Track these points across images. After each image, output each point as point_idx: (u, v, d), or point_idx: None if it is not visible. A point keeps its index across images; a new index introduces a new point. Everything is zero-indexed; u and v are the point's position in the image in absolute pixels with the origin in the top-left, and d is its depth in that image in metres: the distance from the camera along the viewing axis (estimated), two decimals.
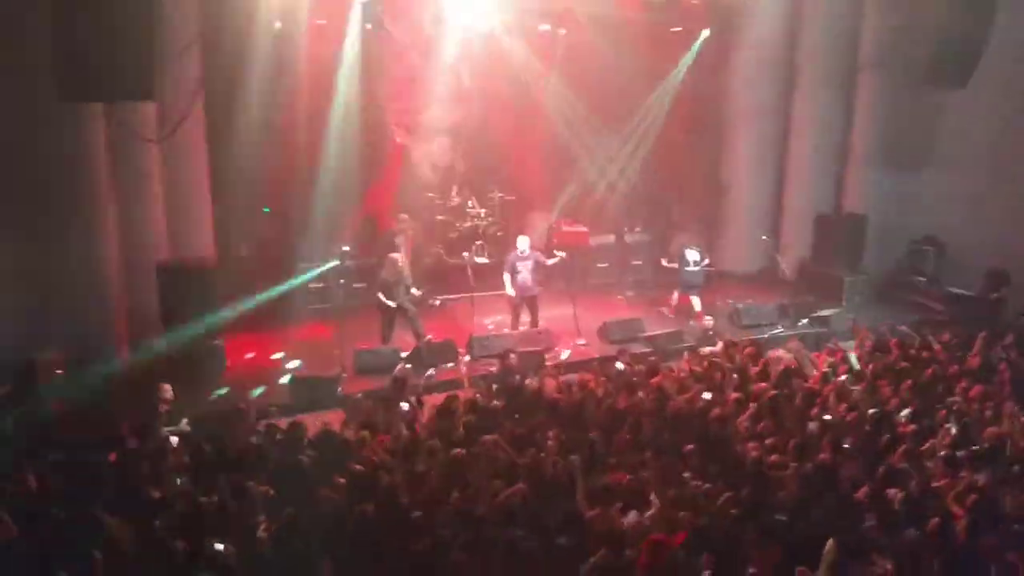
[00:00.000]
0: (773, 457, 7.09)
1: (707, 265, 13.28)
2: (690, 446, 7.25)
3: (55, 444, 7.74)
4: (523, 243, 12.43)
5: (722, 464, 7.06)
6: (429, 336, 11.93)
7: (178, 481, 7.28)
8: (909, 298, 14.50)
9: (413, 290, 11.91)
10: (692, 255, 13.20)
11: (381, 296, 11.71)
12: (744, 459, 7.12)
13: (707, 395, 8.68)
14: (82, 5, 8.70)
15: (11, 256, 9.68)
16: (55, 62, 9.03)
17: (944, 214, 14.53)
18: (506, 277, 12.30)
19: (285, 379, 10.84)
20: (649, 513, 6.23)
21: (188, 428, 8.81)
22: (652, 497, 6.43)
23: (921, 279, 14.69)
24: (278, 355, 11.72)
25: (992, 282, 13.30)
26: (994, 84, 13.05)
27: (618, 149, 15.36)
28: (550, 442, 7.53)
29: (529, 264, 12.27)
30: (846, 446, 7.40)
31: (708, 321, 11.84)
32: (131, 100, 10.08)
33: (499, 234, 15.02)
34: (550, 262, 12.43)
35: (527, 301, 12.45)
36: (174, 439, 8.33)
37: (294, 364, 11.47)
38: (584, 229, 15.34)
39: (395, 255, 12.02)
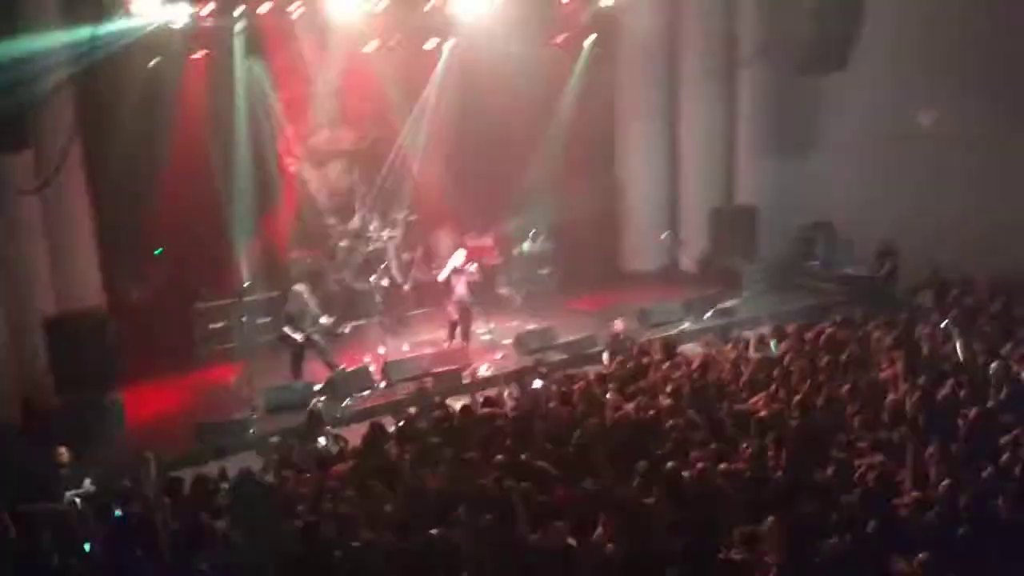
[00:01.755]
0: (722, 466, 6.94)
1: None
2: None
3: None
4: (459, 257, 12.44)
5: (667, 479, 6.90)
6: (342, 366, 11.67)
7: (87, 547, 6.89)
8: (805, 283, 15.01)
9: (323, 320, 11.62)
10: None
11: (287, 330, 11.39)
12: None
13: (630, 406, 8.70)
14: None
15: None
16: None
17: (832, 197, 15.07)
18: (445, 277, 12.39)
19: None
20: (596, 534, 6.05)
21: (92, 488, 8.34)
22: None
23: (814, 263, 15.24)
24: None
25: (881, 260, 13.88)
26: (872, 63, 13.55)
27: (513, 158, 15.41)
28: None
29: (463, 278, 12.29)
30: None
31: (618, 323, 11.98)
32: (4, 152, 9.57)
33: (404, 256, 14.82)
34: (472, 268, 12.49)
35: (463, 316, 12.42)
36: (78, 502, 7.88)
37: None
38: (489, 242, 15.33)
39: (299, 287, 11.71)
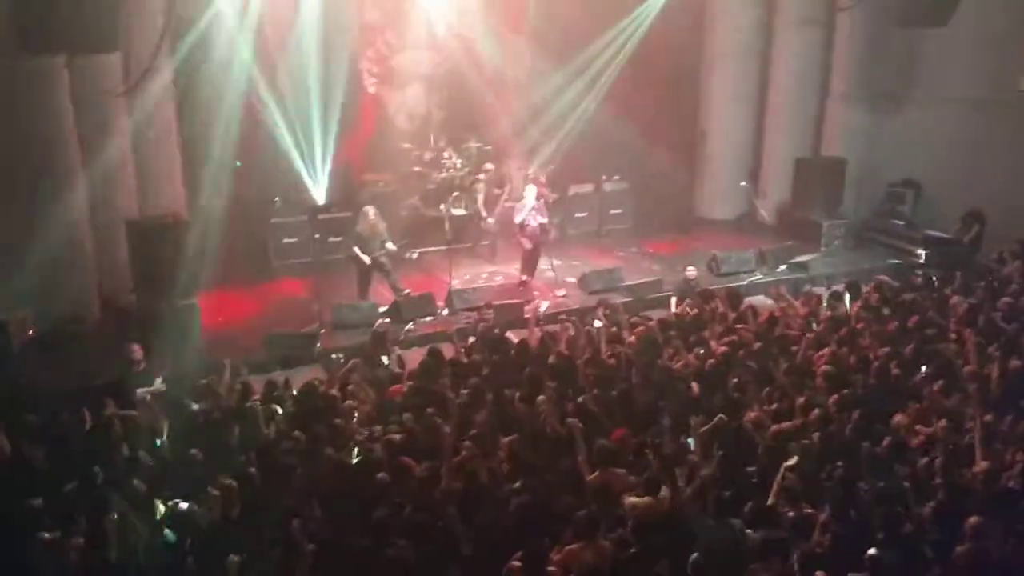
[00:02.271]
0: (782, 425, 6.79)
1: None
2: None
3: (30, 406, 7.63)
4: (531, 193, 12.40)
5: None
6: (407, 290, 11.82)
7: (158, 442, 7.23)
8: (887, 242, 14.49)
9: (389, 244, 11.73)
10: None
11: (356, 250, 11.55)
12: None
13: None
14: None
15: None
16: (17, 13, 8.72)
17: (923, 156, 14.45)
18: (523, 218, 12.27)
19: None
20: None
21: (163, 387, 8.70)
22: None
23: (899, 222, 14.69)
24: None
25: (967, 224, 13.33)
26: (972, 22, 12.89)
27: (591, 96, 15.11)
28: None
29: (538, 212, 12.29)
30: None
31: (690, 271, 11.79)
32: (96, 52, 9.77)
33: (476, 185, 14.79)
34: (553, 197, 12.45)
35: (533, 250, 12.44)
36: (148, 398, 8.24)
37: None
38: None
39: (368, 208, 11.81)
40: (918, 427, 6.83)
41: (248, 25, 12.27)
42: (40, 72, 9.61)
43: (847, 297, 10.30)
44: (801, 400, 7.14)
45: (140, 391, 8.36)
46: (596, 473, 6.08)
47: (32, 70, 9.50)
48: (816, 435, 6.58)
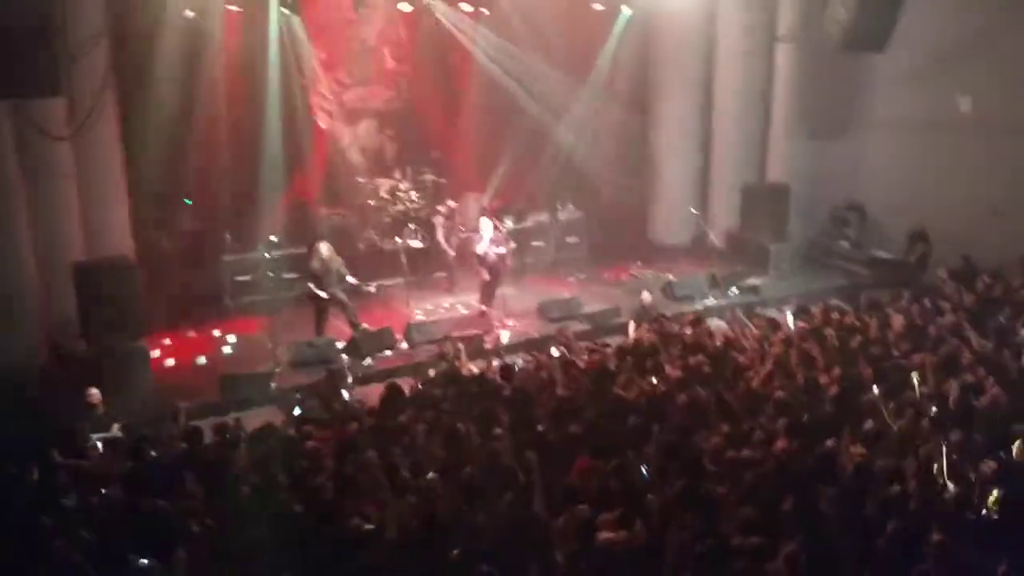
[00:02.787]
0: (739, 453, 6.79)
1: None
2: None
3: None
4: (489, 226, 12.48)
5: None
6: (365, 325, 11.75)
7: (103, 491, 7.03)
8: (834, 263, 14.84)
9: (348, 278, 11.65)
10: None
11: (311, 286, 11.46)
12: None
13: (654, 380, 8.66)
14: None
15: None
16: None
17: (866, 179, 14.84)
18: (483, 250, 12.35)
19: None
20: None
21: (120, 434, 8.51)
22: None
23: (845, 244, 15.04)
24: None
25: (913, 243, 13.68)
26: (911, 45, 13.23)
27: (545, 127, 15.32)
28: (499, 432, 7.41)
29: (496, 243, 12.41)
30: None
31: (645, 296, 11.93)
32: (39, 97, 9.63)
33: (432, 218, 14.83)
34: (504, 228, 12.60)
35: (491, 280, 12.49)
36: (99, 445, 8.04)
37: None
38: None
39: (322, 244, 11.74)
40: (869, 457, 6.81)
41: (198, 62, 12.22)
42: None
43: (790, 318, 10.54)
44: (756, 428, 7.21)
45: (95, 437, 8.16)
46: (562, 517, 5.99)
47: None
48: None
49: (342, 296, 11.60)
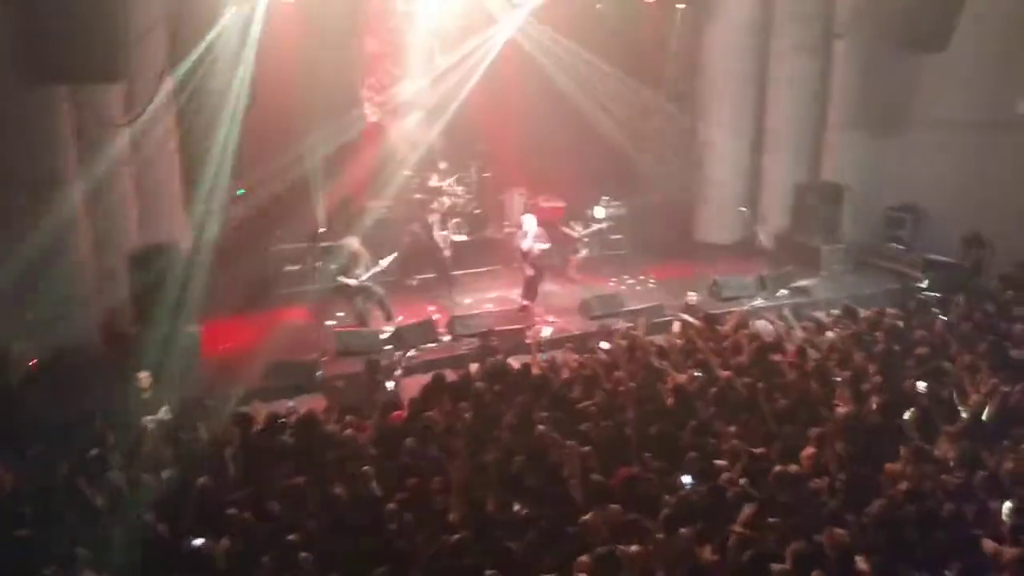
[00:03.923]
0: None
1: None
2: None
3: (31, 438, 7.62)
4: (533, 222, 12.46)
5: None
6: (400, 317, 11.81)
7: (164, 474, 7.18)
8: (888, 266, 14.53)
9: (382, 261, 11.73)
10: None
11: (341, 278, 11.58)
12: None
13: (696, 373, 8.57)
14: None
15: None
16: (20, 45, 8.78)
17: (922, 180, 14.46)
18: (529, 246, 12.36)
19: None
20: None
21: (168, 417, 8.69)
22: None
23: (899, 246, 14.72)
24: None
25: (968, 247, 13.36)
26: (972, 45, 12.93)
27: (592, 124, 15.24)
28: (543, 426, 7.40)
29: (540, 239, 12.41)
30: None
31: (691, 296, 11.81)
32: (98, 83, 9.84)
33: (476, 212, 14.89)
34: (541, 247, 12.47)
35: (534, 276, 12.48)
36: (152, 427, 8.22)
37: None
38: (561, 204, 15.29)
39: (351, 239, 11.84)
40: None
41: (250, 54, 12.39)
42: (42, 102, 9.66)
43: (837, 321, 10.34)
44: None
45: (145, 419, 8.34)
46: (591, 514, 5.99)
47: (34, 100, 9.54)
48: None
49: (376, 289, 11.69)
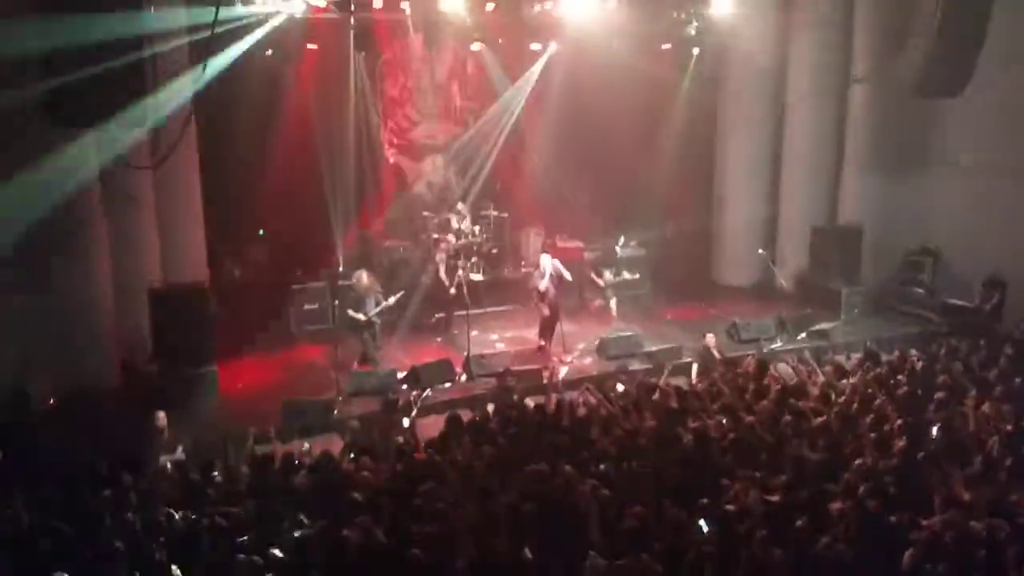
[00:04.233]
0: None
1: None
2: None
3: (47, 477, 7.63)
4: (547, 261, 12.58)
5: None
6: (380, 350, 11.93)
7: (176, 515, 7.15)
8: (907, 309, 14.42)
9: (390, 299, 11.90)
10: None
11: (350, 312, 11.69)
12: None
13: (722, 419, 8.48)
14: (73, 33, 8.67)
15: (2, 283, 9.54)
16: (48, 91, 8.99)
17: (941, 223, 14.43)
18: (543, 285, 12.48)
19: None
20: None
21: (183, 457, 8.70)
22: None
23: (918, 290, 14.61)
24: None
25: (989, 291, 13.24)
26: (989, 88, 12.92)
27: (608, 165, 15.36)
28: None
29: (554, 279, 12.49)
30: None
31: (709, 338, 11.76)
32: (123, 127, 10.03)
33: (493, 251, 14.97)
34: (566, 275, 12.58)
35: (550, 316, 12.52)
36: (169, 467, 8.24)
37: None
38: (579, 244, 15.33)
39: (361, 272, 12.03)
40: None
41: (275, 97, 12.65)
42: (68, 145, 9.85)
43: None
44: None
45: (162, 459, 8.36)
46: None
47: (60, 143, 9.74)
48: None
49: (376, 321, 11.82)
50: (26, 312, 9.69)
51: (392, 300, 11.92)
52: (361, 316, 11.69)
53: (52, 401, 9.77)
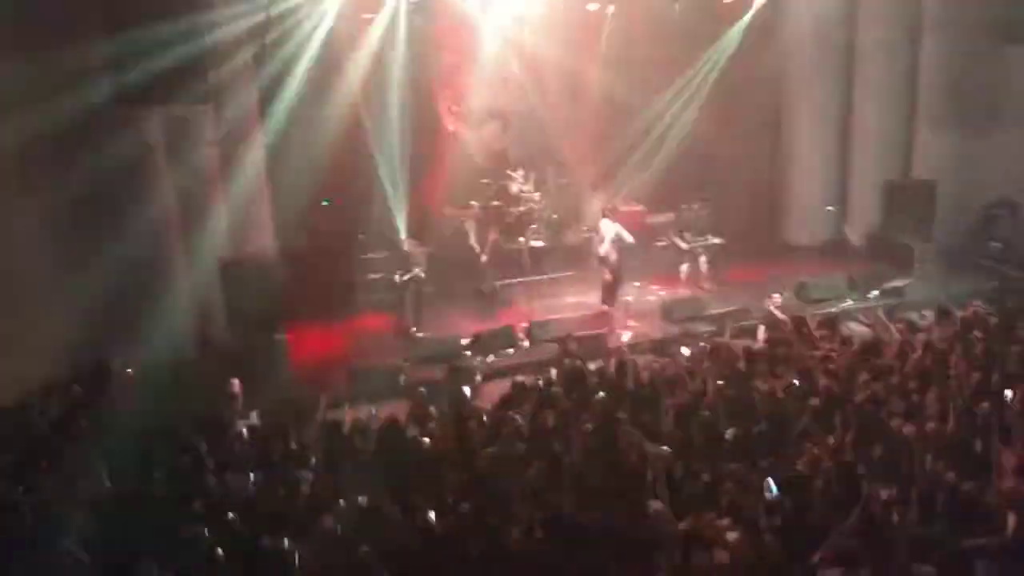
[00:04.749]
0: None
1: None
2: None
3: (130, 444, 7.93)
4: (608, 226, 12.55)
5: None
6: (414, 329, 12.14)
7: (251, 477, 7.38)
8: (984, 264, 13.89)
9: (415, 269, 12.19)
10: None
11: (397, 276, 12.16)
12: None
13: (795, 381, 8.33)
14: (140, 10, 8.87)
15: (78, 258, 9.89)
16: (115, 67, 9.24)
17: (1017, 175, 13.85)
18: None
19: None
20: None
21: (258, 422, 8.96)
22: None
23: (996, 244, 14.06)
24: None
25: None
26: None
27: (672, 123, 15.08)
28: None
29: (617, 243, 12.45)
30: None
31: (776, 297, 11.53)
32: (191, 103, 10.26)
33: (554, 217, 14.89)
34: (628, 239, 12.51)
35: (613, 280, 12.51)
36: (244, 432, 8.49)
37: None
38: (640, 207, 15.14)
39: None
40: None
41: (335, 68, 12.73)
42: (136, 121, 10.11)
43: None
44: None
45: (238, 423, 8.63)
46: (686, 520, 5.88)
47: (126, 120, 10.00)
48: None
49: (411, 286, 12.17)
50: (104, 286, 10.04)
51: (416, 271, 12.22)
52: (396, 278, 12.14)
53: (131, 372, 10.13)
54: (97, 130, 9.70)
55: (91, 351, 9.81)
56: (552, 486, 6.49)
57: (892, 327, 10.15)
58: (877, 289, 12.94)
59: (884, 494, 5.99)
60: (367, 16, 13.09)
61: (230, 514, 6.33)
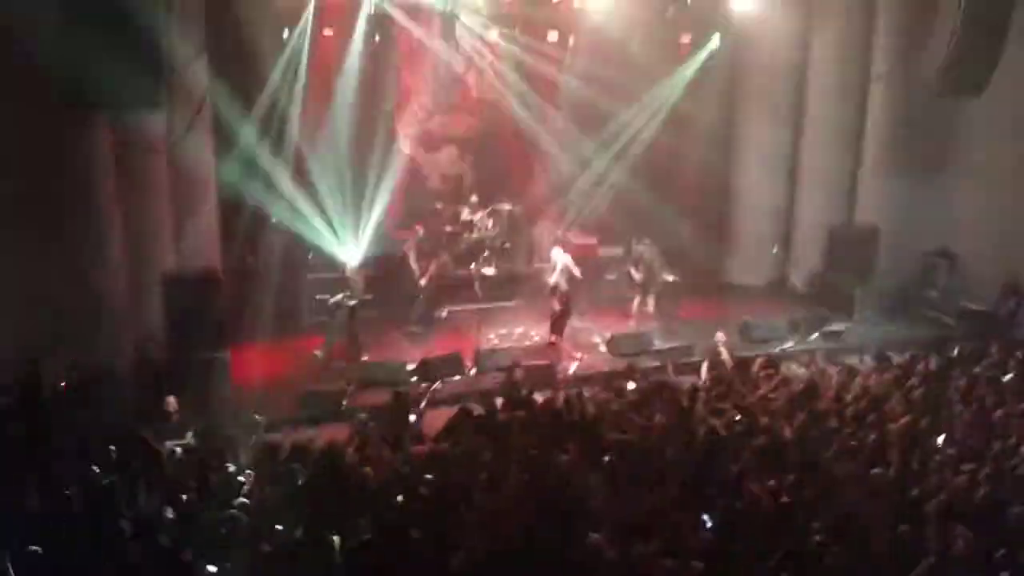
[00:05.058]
0: None
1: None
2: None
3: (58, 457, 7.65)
4: (561, 256, 12.57)
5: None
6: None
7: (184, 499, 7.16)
8: (922, 312, 14.29)
9: (339, 296, 12.07)
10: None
11: (340, 297, 12.03)
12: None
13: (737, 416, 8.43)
14: (89, 14, 8.67)
15: (14, 266, 9.55)
16: (61, 71, 9.00)
17: (959, 225, 14.29)
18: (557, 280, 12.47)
19: None
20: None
21: (193, 442, 8.70)
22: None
23: (933, 293, 14.47)
24: None
25: (1005, 296, 13.11)
26: (1010, 90, 12.78)
27: (624, 157, 15.27)
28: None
29: (566, 275, 12.44)
30: None
31: (719, 336, 11.69)
32: (138, 110, 10.04)
33: (506, 246, 14.91)
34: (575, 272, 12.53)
35: (562, 311, 12.51)
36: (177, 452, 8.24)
37: None
38: (593, 241, 15.27)
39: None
40: None
41: (290, 81, 12.62)
42: (81, 128, 9.84)
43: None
44: None
45: (170, 444, 8.37)
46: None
47: (73, 125, 9.74)
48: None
49: (340, 309, 12.01)
50: (40, 294, 9.71)
51: (338, 298, 12.06)
52: (330, 301, 11.97)
53: (64, 383, 9.78)
54: (41, 133, 9.43)
55: (22, 360, 9.43)
56: (495, 516, 6.42)
57: (829, 371, 10.36)
58: (817, 332, 13.19)
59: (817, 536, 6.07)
60: (326, 32, 13.05)
61: (161, 537, 6.13)
